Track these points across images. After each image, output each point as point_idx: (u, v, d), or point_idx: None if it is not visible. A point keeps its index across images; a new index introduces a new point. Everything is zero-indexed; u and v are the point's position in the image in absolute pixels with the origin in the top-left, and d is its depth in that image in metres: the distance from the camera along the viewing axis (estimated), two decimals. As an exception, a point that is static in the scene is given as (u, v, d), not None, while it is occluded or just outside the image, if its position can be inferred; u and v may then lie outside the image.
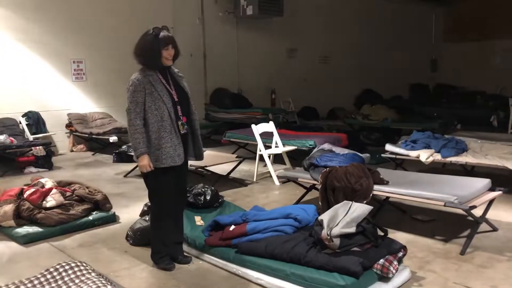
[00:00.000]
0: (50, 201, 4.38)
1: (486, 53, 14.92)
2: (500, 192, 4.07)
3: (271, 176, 6.24)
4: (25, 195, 4.43)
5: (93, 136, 8.40)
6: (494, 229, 4.13)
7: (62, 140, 8.87)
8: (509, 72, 14.02)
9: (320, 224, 3.19)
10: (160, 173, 3.30)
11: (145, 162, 3.22)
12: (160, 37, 3.24)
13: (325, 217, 3.20)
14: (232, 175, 6.23)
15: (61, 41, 8.70)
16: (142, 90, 3.22)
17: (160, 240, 3.47)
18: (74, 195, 4.66)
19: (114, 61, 9.06)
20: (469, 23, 15.38)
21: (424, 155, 5.49)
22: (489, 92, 13.52)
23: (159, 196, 3.40)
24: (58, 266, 2.85)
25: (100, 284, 2.66)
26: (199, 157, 3.55)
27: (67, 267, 2.84)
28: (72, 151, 8.86)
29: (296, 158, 7.00)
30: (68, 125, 8.82)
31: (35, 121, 8.34)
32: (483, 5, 14.81)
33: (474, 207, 3.69)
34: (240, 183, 6.14)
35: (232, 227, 3.58)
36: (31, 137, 7.93)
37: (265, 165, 6.47)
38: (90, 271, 2.86)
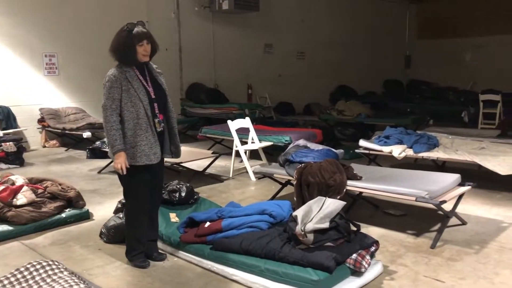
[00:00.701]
0: (21, 199, 4.29)
1: (458, 50, 15.24)
2: (469, 187, 4.18)
3: (247, 172, 6.26)
4: (-6, 193, 4.33)
5: (66, 132, 8.25)
6: (463, 223, 4.24)
7: (34, 136, 8.69)
8: (480, 69, 14.39)
9: (294, 220, 3.22)
10: (135, 171, 3.27)
11: (122, 159, 3.19)
12: (134, 33, 3.19)
13: (299, 213, 3.24)
14: (208, 171, 6.22)
15: (33, 34, 8.50)
16: (119, 87, 3.19)
17: (135, 237, 3.45)
18: (46, 192, 4.57)
19: (87, 55, 8.91)
20: (442, 21, 15.68)
21: (397, 151, 5.59)
22: (460, 88, 13.84)
23: (134, 194, 3.38)
24: (29, 266, 2.79)
25: (72, 283, 2.63)
26: (176, 154, 3.51)
27: (38, 266, 2.79)
28: (44, 146, 8.69)
29: (272, 153, 7.03)
30: (40, 120, 8.63)
31: (6, 116, 8.15)
32: (455, 2, 15.12)
33: (444, 201, 3.78)
34: (216, 179, 6.13)
35: (207, 223, 3.58)
36: (1, 133, 7.75)
37: (241, 161, 6.48)
38: (62, 270, 2.81)
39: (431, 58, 15.83)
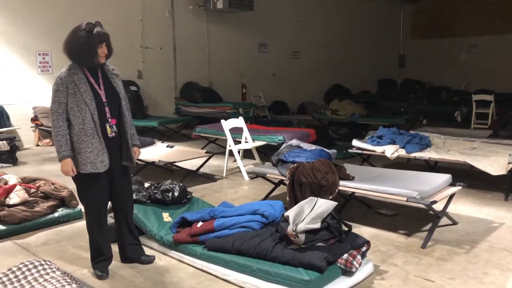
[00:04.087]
0: (13, 198, 4.29)
1: (452, 49, 15.32)
2: (460, 187, 4.22)
3: (240, 172, 6.27)
4: (-13, 192, 4.32)
5: (60, 131, 8.20)
6: (454, 223, 4.28)
7: (27, 135, 8.65)
8: (473, 68, 14.47)
9: (286, 220, 3.24)
10: (84, 178, 3.14)
11: (67, 167, 3.05)
12: (94, 34, 3.06)
13: (291, 213, 3.26)
14: (201, 170, 6.23)
15: (26, 32, 8.47)
16: (65, 90, 3.05)
17: (92, 245, 3.35)
18: (39, 192, 4.57)
19: (81, 53, 8.88)
20: (436, 20, 15.76)
21: (390, 151, 5.62)
22: (454, 88, 13.91)
23: (85, 202, 3.28)
24: (21, 265, 2.79)
25: (64, 283, 2.63)
26: (130, 161, 3.32)
27: (30, 266, 2.79)
28: (37, 145, 8.67)
29: (266, 152, 7.05)
30: (34, 119, 8.61)
31: (-1, 114, 8.12)
32: (449, 2, 15.19)
33: (435, 202, 3.82)
34: (209, 178, 6.14)
35: (200, 223, 3.59)
36: (-6, 132, 7.73)
37: (235, 160, 6.49)
38: (54, 269, 2.82)
39: (425, 57, 15.90)
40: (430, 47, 15.88)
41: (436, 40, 15.76)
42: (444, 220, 4.17)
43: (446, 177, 4.26)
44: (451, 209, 4.29)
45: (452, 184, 4.26)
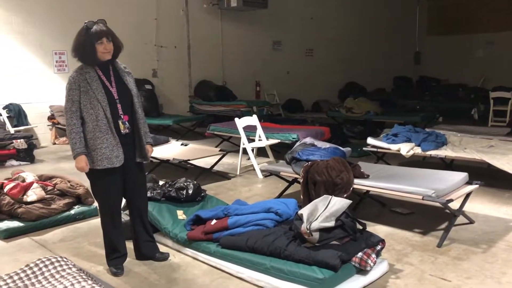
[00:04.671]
0: (31, 196, 4.35)
1: (468, 46, 15.09)
2: (477, 185, 4.15)
3: (254, 170, 6.27)
4: (5, 190, 4.39)
5: (76, 129, 8.30)
6: (471, 222, 4.22)
7: (44, 133, 8.78)
8: (491, 65, 14.23)
9: (300, 218, 3.23)
10: (98, 175, 3.19)
11: (82, 163, 3.11)
12: (92, 31, 3.10)
13: (305, 211, 3.25)
14: (215, 168, 6.24)
15: (43, 32, 8.58)
16: (77, 88, 3.11)
17: (105, 242, 3.39)
18: (55, 189, 4.63)
19: (96, 52, 8.96)
20: (452, 16, 15.54)
21: (405, 149, 5.57)
22: (471, 85, 13.71)
23: (99, 199, 3.32)
24: (38, 262, 2.83)
25: (80, 279, 2.66)
26: (143, 158, 3.35)
27: (47, 263, 2.83)
28: (54, 143, 8.78)
29: (280, 151, 7.03)
30: (50, 118, 8.73)
31: (16, 113, 8.25)
32: (466, -2, 14.98)
33: (451, 200, 3.76)
34: (223, 176, 6.16)
35: (214, 221, 3.60)
36: (12, 130, 7.84)
37: (249, 158, 6.49)
38: (70, 266, 2.85)
39: (441, 54, 15.68)
40: (446, 44, 15.66)
41: (452, 36, 15.53)
42: (460, 219, 4.12)
43: (462, 176, 4.20)
44: (467, 208, 4.23)
45: (469, 183, 4.20)
